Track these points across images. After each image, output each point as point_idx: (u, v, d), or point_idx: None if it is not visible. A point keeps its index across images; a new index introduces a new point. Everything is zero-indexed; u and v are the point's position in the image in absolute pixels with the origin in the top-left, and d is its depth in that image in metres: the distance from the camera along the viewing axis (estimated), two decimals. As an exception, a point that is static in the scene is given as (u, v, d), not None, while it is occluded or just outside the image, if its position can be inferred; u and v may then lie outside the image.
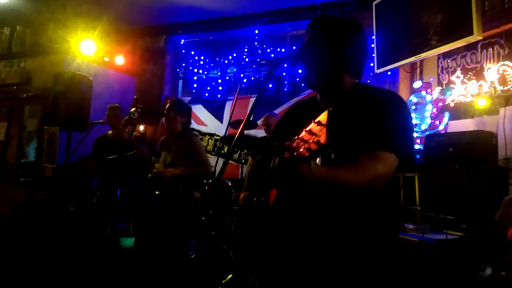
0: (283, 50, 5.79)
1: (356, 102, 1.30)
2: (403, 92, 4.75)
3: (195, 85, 6.43)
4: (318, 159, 0.97)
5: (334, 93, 1.39)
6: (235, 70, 6.23)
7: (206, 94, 6.26)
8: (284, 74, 5.79)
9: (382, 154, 1.20)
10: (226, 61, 6.22)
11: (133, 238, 3.39)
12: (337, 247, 1.22)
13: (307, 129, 0.99)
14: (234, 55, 6.13)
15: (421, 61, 4.37)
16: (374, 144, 1.21)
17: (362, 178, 1.17)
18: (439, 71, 3.99)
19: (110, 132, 4.07)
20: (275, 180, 1.13)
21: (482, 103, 3.69)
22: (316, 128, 0.97)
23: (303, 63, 1.40)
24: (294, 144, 1.02)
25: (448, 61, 3.87)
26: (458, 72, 3.80)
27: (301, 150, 0.99)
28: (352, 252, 1.22)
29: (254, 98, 5.00)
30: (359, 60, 1.41)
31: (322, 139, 0.94)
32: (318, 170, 1.09)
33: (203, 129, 5.82)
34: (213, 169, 3.31)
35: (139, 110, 3.41)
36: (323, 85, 1.42)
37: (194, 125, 5.21)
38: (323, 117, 0.96)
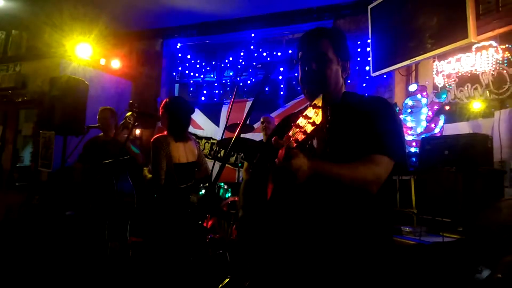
0: (279, 53, 5.81)
1: (348, 110, 1.36)
2: (398, 95, 4.77)
3: (191, 89, 6.43)
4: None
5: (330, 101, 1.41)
6: (231, 73, 6.24)
7: (203, 98, 6.26)
8: (280, 77, 5.81)
9: (376, 157, 1.25)
10: (223, 65, 6.23)
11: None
12: (332, 249, 1.24)
13: (303, 114, 1.01)
14: (231, 58, 6.13)
15: (417, 64, 4.39)
16: (368, 149, 1.26)
17: (361, 175, 1.21)
18: (435, 74, 4.00)
19: (101, 134, 4.03)
20: (275, 177, 1.13)
21: (477, 106, 3.71)
22: (312, 111, 0.99)
23: (309, 76, 1.39)
24: (290, 133, 1.04)
25: (444, 64, 3.89)
26: (453, 75, 3.82)
27: (297, 135, 1.02)
28: (346, 255, 1.23)
29: (251, 102, 5.00)
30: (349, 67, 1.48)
31: (318, 119, 0.96)
32: (316, 162, 1.12)
33: (199, 132, 5.82)
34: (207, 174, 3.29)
35: (134, 114, 3.38)
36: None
37: (190, 129, 5.21)
38: (318, 100, 0.98)
